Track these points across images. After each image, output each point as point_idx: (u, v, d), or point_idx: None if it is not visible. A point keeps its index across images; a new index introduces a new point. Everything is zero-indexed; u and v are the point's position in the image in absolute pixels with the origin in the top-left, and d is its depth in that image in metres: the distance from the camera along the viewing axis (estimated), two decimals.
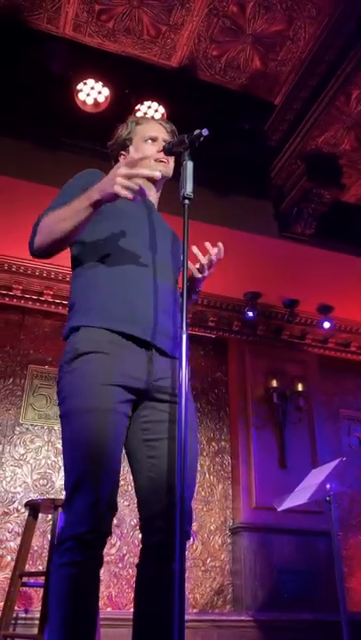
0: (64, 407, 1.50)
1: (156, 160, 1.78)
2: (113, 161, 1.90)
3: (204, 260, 1.76)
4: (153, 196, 1.86)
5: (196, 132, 1.57)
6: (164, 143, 1.77)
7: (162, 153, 1.76)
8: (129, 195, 1.40)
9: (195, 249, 1.76)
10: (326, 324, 5.01)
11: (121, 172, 1.41)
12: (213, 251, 1.76)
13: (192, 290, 1.83)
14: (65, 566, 1.36)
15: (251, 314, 4.83)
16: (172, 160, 1.81)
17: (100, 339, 1.50)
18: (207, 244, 1.76)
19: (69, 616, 1.32)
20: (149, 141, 1.82)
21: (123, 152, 1.86)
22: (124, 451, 1.55)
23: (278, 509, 3.24)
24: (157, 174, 1.52)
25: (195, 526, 4.32)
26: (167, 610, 1.40)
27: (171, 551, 1.43)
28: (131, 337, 1.52)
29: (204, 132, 1.55)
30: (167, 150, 1.69)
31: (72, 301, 1.63)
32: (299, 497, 3.09)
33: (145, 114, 3.65)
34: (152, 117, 3.59)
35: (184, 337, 1.37)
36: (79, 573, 1.35)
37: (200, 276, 1.80)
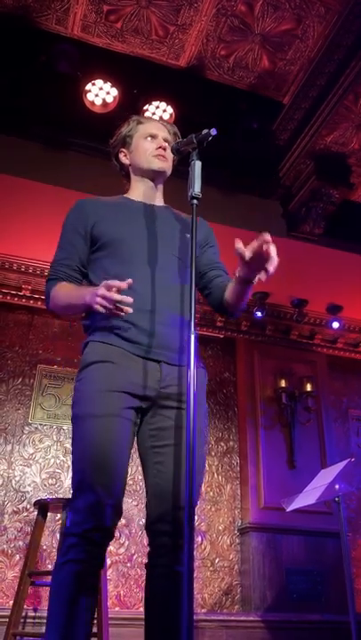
0: (73, 412, 1.56)
1: (154, 156, 1.80)
2: (113, 158, 1.92)
3: (247, 254, 1.51)
4: (153, 196, 1.85)
5: (205, 131, 1.57)
6: (163, 141, 1.80)
7: (161, 149, 1.79)
8: (103, 310, 1.47)
9: (238, 245, 1.53)
10: (335, 324, 4.98)
11: (99, 294, 1.46)
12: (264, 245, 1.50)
13: (238, 298, 1.67)
14: (68, 563, 1.39)
15: (259, 314, 4.82)
16: (170, 157, 1.82)
17: (107, 351, 1.56)
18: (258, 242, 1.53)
19: (70, 614, 1.35)
20: (149, 138, 1.84)
21: (123, 149, 1.88)
22: (136, 455, 1.62)
23: (287, 510, 3.23)
24: (127, 310, 1.48)
25: (203, 526, 4.32)
26: (174, 610, 1.42)
27: (173, 553, 1.47)
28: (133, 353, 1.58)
29: (213, 131, 1.55)
30: (175, 150, 1.69)
31: (85, 322, 1.73)
32: (307, 497, 3.08)
33: (153, 114, 3.65)
34: (159, 118, 3.60)
35: (192, 337, 1.37)
36: (82, 571, 1.38)
37: (245, 278, 1.60)
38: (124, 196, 1.87)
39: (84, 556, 1.39)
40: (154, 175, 1.84)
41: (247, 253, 1.52)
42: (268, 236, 1.50)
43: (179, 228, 1.81)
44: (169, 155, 1.81)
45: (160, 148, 1.80)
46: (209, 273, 1.80)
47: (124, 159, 1.88)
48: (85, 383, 1.55)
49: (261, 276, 1.56)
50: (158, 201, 1.87)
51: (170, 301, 1.67)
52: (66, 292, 1.71)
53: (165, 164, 1.82)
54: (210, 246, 1.86)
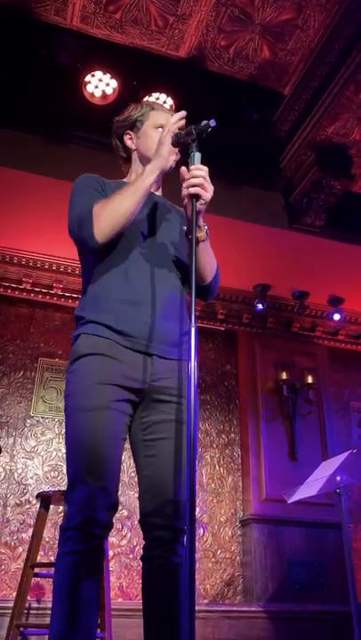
0: (65, 406, 1.56)
1: None
2: (116, 138, 1.87)
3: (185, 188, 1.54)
4: (154, 185, 1.82)
5: (204, 122, 1.56)
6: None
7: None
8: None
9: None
10: (336, 316, 4.98)
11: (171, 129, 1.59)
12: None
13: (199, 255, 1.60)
14: (67, 555, 1.41)
15: (261, 306, 4.81)
16: (177, 151, 1.80)
17: (98, 343, 1.55)
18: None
19: (71, 602, 1.37)
20: (160, 129, 1.79)
21: (130, 132, 1.85)
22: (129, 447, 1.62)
23: (288, 501, 3.24)
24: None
25: (205, 518, 4.34)
26: (172, 601, 1.44)
27: (169, 545, 1.48)
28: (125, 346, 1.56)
29: (212, 122, 1.54)
30: (175, 141, 1.67)
31: (77, 313, 1.67)
32: (309, 489, 3.09)
33: None
34: (168, 108, 3.57)
35: (193, 330, 1.36)
36: (80, 561, 1.40)
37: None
38: (125, 180, 1.85)
39: (81, 547, 1.40)
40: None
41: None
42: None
43: (175, 218, 1.80)
44: (177, 148, 1.78)
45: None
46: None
47: (129, 142, 1.85)
48: (77, 376, 1.54)
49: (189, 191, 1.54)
50: (158, 191, 1.86)
51: (167, 293, 1.66)
52: (113, 196, 1.60)
53: (173, 158, 1.79)
54: None
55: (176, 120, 1.62)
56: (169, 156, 1.60)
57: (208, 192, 1.55)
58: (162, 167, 1.60)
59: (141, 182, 1.60)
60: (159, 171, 1.60)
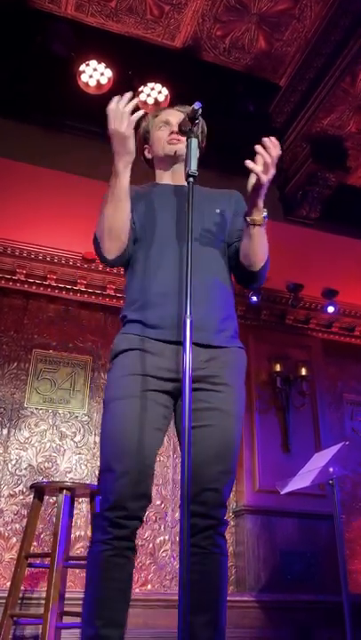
0: (104, 399, 1.62)
1: (168, 142, 1.83)
2: (142, 157, 1.94)
3: (258, 168, 1.65)
4: (179, 178, 1.82)
5: (190, 107, 1.61)
6: (176, 125, 1.80)
7: (173, 134, 1.82)
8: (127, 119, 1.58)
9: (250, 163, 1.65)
10: (331, 309, 4.99)
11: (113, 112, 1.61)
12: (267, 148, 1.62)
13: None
14: (95, 544, 1.45)
15: (255, 298, 4.81)
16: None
17: (130, 340, 1.60)
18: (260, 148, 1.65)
19: (97, 591, 1.39)
20: (163, 127, 1.87)
21: (146, 145, 1.93)
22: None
23: (281, 492, 3.26)
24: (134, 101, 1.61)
25: None
26: (210, 590, 1.50)
27: (205, 533, 1.48)
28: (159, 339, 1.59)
29: (196, 105, 1.59)
30: (180, 131, 1.71)
31: (120, 316, 1.76)
32: (302, 480, 3.10)
33: (148, 95, 3.61)
34: (154, 100, 3.56)
35: (188, 321, 1.36)
36: (106, 550, 1.41)
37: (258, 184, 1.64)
38: (154, 182, 1.92)
39: (107, 536, 1.42)
40: (172, 159, 1.86)
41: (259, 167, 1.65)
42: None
43: (207, 203, 1.83)
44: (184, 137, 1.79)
45: (173, 132, 1.82)
46: (236, 244, 1.78)
47: (147, 154, 1.94)
48: (111, 371, 1.63)
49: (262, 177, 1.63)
50: (181, 181, 1.84)
51: (203, 281, 1.65)
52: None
53: (178, 146, 1.82)
54: (238, 216, 1.83)
55: (121, 103, 1.65)
56: (125, 150, 1.60)
57: (268, 174, 1.63)
58: (125, 162, 1.62)
59: (112, 185, 1.63)
60: (122, 165, 1.61)
